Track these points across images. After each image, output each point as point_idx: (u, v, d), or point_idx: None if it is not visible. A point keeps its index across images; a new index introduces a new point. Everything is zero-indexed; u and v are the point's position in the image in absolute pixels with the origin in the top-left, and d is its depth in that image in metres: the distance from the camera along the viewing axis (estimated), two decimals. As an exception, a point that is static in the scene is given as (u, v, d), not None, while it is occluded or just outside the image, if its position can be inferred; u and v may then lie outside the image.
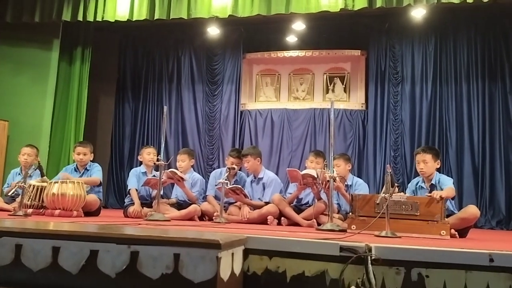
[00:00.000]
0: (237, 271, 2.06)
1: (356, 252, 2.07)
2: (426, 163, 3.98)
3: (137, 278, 1.88)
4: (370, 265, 2.03)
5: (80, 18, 6.28)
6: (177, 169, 5.07)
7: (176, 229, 2.89)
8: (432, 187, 3.92)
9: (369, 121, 7.06)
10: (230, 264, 1.97)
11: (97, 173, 4.96)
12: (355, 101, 7.26)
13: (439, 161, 4.04)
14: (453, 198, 4.00)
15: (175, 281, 1.84)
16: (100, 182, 4.98)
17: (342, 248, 2.09)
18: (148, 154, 5.33)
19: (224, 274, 1.89)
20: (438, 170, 4.10)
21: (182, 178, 4.83)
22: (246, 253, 2.17)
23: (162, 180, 4.51)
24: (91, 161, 5.06)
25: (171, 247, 1.87)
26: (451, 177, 4.34)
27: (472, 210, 3.83)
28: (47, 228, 2.18)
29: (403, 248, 2.11)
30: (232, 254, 2.00)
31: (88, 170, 5.00)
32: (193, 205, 4.87)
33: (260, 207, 4.74)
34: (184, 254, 1.85)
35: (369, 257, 2.04)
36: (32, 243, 2.00)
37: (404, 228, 3.40)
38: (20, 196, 4.17)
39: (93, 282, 1.92)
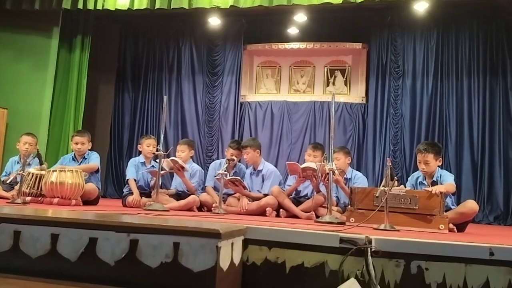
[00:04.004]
0: (237, 261, 2.06)
1: (356, 244, 2.06)
2: (427, 163, 3.94)
3: (136, 266, 1.87)
4: (370, 257, 2.03)
5: (80, 6, 6.23)
6: (176, 159, 5.06)
7: (175, 218, 2.88)
8: (434, 184, 3.88)
9: (369, 114, 7.04)
10: (230, 254, 1.96)
11: (94, 160, 4.94)
12: (356, 95, 7.24)
13: (440, 158, 4.00)
14: (453, 194, 3.99)
15: (174, 270, 1.84)
16: (98, 168, 4.94)
17: (342, 240, 2.08)
18: (147, 146, 5.31)
19: (224, 264, 1.88)
20: (440, 165, 4.08)
21: (182, 167, 4.82)
22: (246, 243, 2.17)
23: (163, 171, 4.52)
24: (89, 149, 5.04)
25: (171, 236, 1.86)
26: (451, 173, 4.32)
27: (471, 205, 3.83)
28: (46, 215, 2.17)
29: (403, 241, 2.10)
30: (232, 244, 1.99)
31: (86, 158, 4.98)
32: (192, 196, 4.87)
33: (259, 199, 4.74)
34: (184, 243, 1.84)
35: (369, 249, 2.04)
36: (31, 230, 1.99)
37: (402, 221, 3.40)
38: (18, 184, 4.16)
39: (92, 270, 1.91)
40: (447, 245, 2.04)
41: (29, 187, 4.34)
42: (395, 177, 3.40)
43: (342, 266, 2.06)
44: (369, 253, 2.03)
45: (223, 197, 4.55)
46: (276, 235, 2.17)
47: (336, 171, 4.03)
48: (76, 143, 4.92)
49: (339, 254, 2.08)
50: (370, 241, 2.06)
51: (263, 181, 5.03)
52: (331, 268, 2.09)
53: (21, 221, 2.03)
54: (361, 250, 2.05)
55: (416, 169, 4.43)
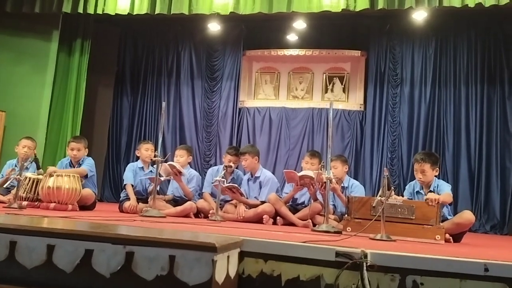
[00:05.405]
0: (232, 274, 2.06)
1: (351, 258, 2.06)
2: (424, 173, 3.94)
3: (132, 279, 1.87)
4: (365, 271, 2.03)
5: (80, 10, 6.24)
6: (174, 165, 5.06)
7: (172, 229, 2.88)
8: (431, 194, 3.91)
9: (367, 122, 7.06)
10: (226, 267, 1.96)
11: (85, 165, 4.88)
12: (354, 102, 7.26)
13: (437, 168, 4.01)
14: (450, 204, 4.00)
15: (170, 283, 1.84)
16: (87, 174, 4.85)
17: (338, 254, 2.09)
18: (146, 150, 5.31)
19: (219, 277, 1.88)
20: (437, 175, 4.09)
21: (180, 172, 4.81)
22: (242, 255, 2.17)
23: (162, 178, 4.53)
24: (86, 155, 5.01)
25: (166, 248, 1.86)
26: (448, 182, 4.33)
27: (467, 216, 3.84)
28: (43, 226, 2.17)
29: (398, 255, 2.11)
30: (228, 257, 1.99)
31: (81, 164, 4.96)
32: (189, 202, 4.87)
33: (256, 206, 4.74)
34: (179, 256, 1.84)
35: (364, 263, 2.04)
36: (27, 240, 1.99)
37: (399, 231, 3.41)
38: (15, 188, 4.15)
39: (87, 282, 1.91)
40: (442, 261, 2.05)
41: (25, 192, 4.34)
42: (392, 187, 3.42)
43: (338, 280, 2.07)
44: (364, 268, 2.04)
45: (220, 204, 4.56)
46: (272, 248, 2.17)
47: (333, 179, 4.05)
48: (72, 150, 4.88)
49: (335, 267, 2.08)
50: (365, 255, 2.07)
51: (260, 187, 5.03)
52: (327, 281, 2.09)
53: (18, 231, 2.02)
54: (357, 264, 2.05)
55: (412, 177, 4.44)
